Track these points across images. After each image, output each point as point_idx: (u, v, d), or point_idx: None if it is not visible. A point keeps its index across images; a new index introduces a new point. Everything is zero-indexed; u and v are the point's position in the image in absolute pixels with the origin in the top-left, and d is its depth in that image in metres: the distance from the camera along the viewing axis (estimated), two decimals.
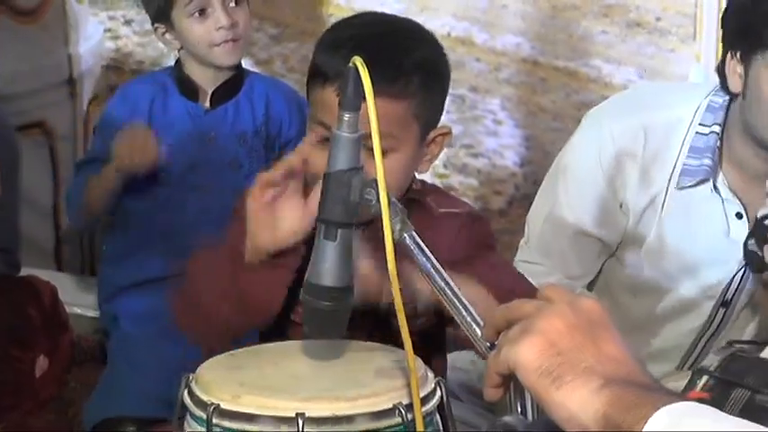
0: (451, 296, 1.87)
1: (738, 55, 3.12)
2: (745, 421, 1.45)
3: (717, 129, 3.21)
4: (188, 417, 2.10)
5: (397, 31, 2.65)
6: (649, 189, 3.26)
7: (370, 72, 1.86)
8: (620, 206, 3.33)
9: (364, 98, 1.88)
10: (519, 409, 1.67)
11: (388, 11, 3.97)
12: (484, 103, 3.86)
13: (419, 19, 3.96)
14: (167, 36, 3.69)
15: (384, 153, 1.91)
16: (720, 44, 3.29)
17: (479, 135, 3.67)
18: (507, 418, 1.67)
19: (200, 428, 2.05)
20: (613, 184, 3.31)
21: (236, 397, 2.04)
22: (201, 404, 2.05)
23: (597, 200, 3.34)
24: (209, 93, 3.72)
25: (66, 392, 3.59)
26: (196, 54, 3.65)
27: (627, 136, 3.25)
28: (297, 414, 1.97)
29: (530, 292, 2.50)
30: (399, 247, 1.88)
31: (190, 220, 3.66)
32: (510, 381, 1.62)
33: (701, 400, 1.48)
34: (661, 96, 3.43)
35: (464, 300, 1.86)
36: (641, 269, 3.40)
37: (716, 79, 3.24)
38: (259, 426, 2.00)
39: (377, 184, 1.88)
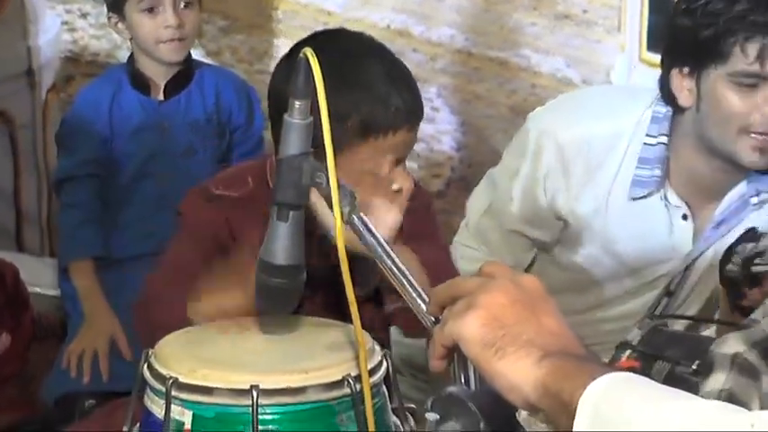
0: (399, 275, 1.86)
1: (687, 70, 3.09)
2: (674, 389, 1.45)
3: (664, 139, 3.18)
4: (148, 390, 2.08)
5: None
6: (592, 197, 3.24)
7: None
8: (560, 212, 3.31)
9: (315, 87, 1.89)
10: (462, 380, 1.66)
11: (331, 6, 3.95)
12: (422, 91, 3.80)
13: (360, 13, 3.99)
14: (119, 26, 3.66)
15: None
16: (661, 57, 3.26)
17: None
18: (451, 389, 1.65)
19: (159, 401, 2.03)
20: (553, 191, 3.29)
21: (193, 371, 2.02)
22: (160, 378, 2.03)
23: (534, 204, 3.32)
24: (162, 85, 3.70)
25: (29, 368, 3.53)
26: (143, 48, 3.64)
27: (572, 146, 3.22)
28: (251, 386, 1.96)
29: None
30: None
31: (148, 206, 3.67)
32: (454, 353, 1.63)
33: (631, 369, 1.49)
34: (605, 105, 3.37)
35: (410, 278, 1.85)
36: (581, 271, 3.41)
37: (641, 69, 3.22)
38: (215, 398, 1.99)
39: (327, 169, 1.88)
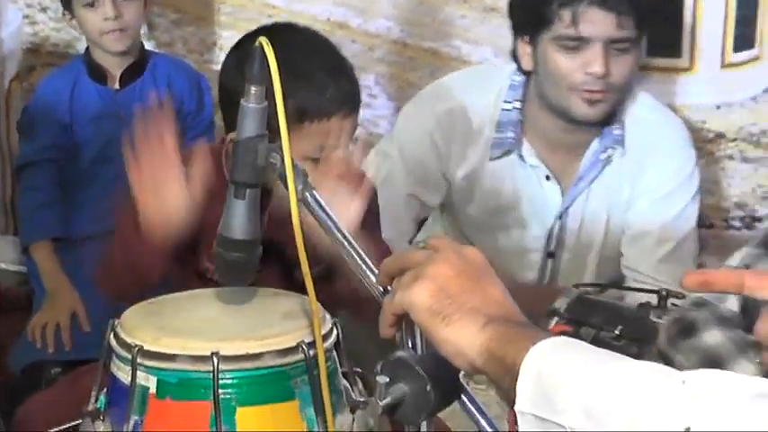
0: (349, 248, 1.85)
1: (527, 38, 3.20)
2: (609, 351, 1.45)
3: (518, 104, 3.28)
4: (114, 358, 2.07)
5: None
6: (469, 161, 3.30)
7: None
8: (444, 176, 3.38)
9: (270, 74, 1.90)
10: (410, 345, 1.66)
11: (276, 0, 3.95)
12: (360, 79, 3.81)
13: (303, 6, 3.98)
14: (72, 21, 3.68)
15: None
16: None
17: None
18: (400, 353, 1.65)
19: (125, 368, 2.03)
20: (439, 157, 3.36)
21: (157, 339, 2.02)
22: (126, 346, 2.03)
23: (425, 169, 3.40)
24: (117, 75, 3.70)
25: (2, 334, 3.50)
26: (90, 40, 3.66)
27: (450, 117, 3.30)
28: (212, 353, 1.97)
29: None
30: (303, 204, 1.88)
31: (106, 188, 3.61)
32: (402, 320, 1.63)
33: (563, 333, 1.56)
34: (473, 81, 3.44)
35: (360, 251, 1.84)
36: (467, 230, 3.46)
37: None
38: (178, 364, 2.00)
39: (281, 149, 1.88)
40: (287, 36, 2.65)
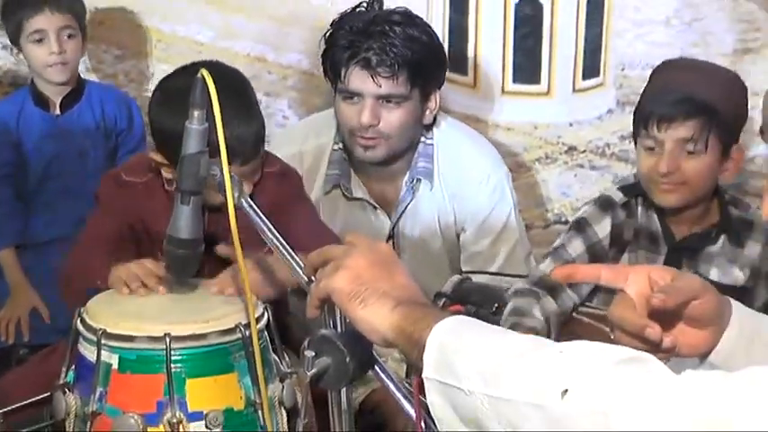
0: (280, 247, 1.84)
1: (334, 89, 3.12)
2: (498, 326, 1.48)
3: (342, 146, 3.16)
4: (81, 340, 2.08)
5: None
6: (313, 194, 3.12)
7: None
8: None
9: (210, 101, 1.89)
10: (332, 324, 1.67)
11: (202, 38, 3.92)
12: (275, 103, 3.83)
13: (226, 43, 3.93)
14: (21, 56, 3.59)
15: None
16: None
17: (272, 127, 3.61)
18: (324, 331, 1.65)
19: (91, 348, 2.03)
20: None
21: (118, 323, 2.04)
22: (92, 329, 2.04)
23: None
24: (58, 102, 3.60)
25: None
26: (36, 72, 3.56)
27: (294, 159, 3.08)
28: (165, 334, 1.99)
29: (329, 236, 2.55)
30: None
31: (54, 199, 3.57)
32: (325, 304, 1.62)
33: (458, 312, 1.50)
34: (314, 127, 3.31)
35: (288, 248, 1.84)
36: None
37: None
38: (136, 344, 2.01)
39: (220, 163, 1.88)
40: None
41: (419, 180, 3.14)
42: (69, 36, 3.49)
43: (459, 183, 3.15)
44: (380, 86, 2.95)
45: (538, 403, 1.31)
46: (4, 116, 3.61)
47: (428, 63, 3.01)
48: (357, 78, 2.96)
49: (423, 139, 3.14)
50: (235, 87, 2.47)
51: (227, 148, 2.28)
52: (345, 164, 3.16)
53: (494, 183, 3.16)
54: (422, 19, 3.11)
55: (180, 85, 2.35)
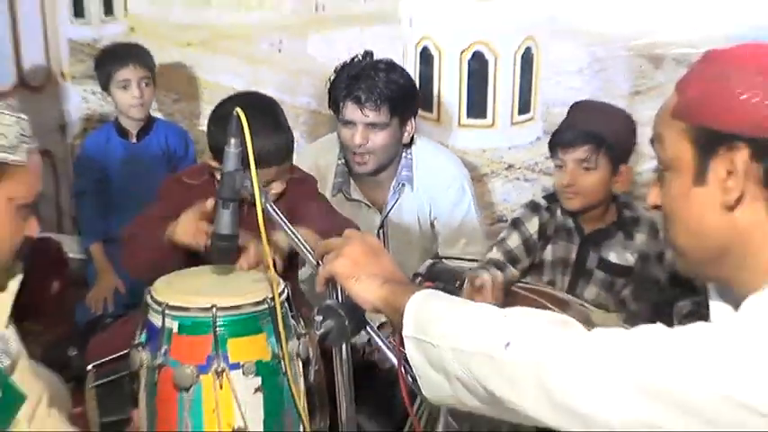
0: (296, 240, 1.84)
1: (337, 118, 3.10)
2: (461, 299, 1.49)
3: (344, 161, 3.15)
4: (150, 311, 2.06)
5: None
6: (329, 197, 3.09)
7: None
8: None
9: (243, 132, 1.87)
10: (335, 297, 1.65)
11: (236, 85, 3.87)
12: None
13: (253, 89, 3.86)
14: (110, 99, 3.60)
15: None
16: None
17: None
18: (328, 302, 1.65)
19: (157, 316, 2.02)
20: None
21: (176, 298, 2.02)
22: (158, 303, 2.03)
23: None
24: (135, 133, 3.61)
25: (65, 302, 3.45)
26: (120, 111, 3.56)
27: (313, 167, 3.06)
28: (212, 305, 1.97)
29: (342, 222, 2.49)
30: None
31: (130, 205, 3.46)
32: (329, 282, 1.62)
33: (430, 288, 1.50)
34: (323, 147, 3.25)
35: (303, 241, 1.83)
36: None
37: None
38: (191, 313, 2.00)
39: (251, 178, 1.86)
40: (246, 100, 2.56)
41: (403, 185, 3.13)
42: (146, 84, 3.52)
43: (433, 186, 3.14)
44: (368, 116, 2.95)
45: (488, 353, 1.32)
46: (94, 144, 3.64)
47: (404, 99, 3.00)
48: (351, 111, 2.96)
49: (404, 154, 3.13)
50: (266, 109, 2.49)
51: (262, 154, 2.27)
52: (347, 174, 3.15)
53: (458, 185, 3.16)
54: (401, 67, 3.10)
55: (228, 108, 2.37)
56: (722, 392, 1.17)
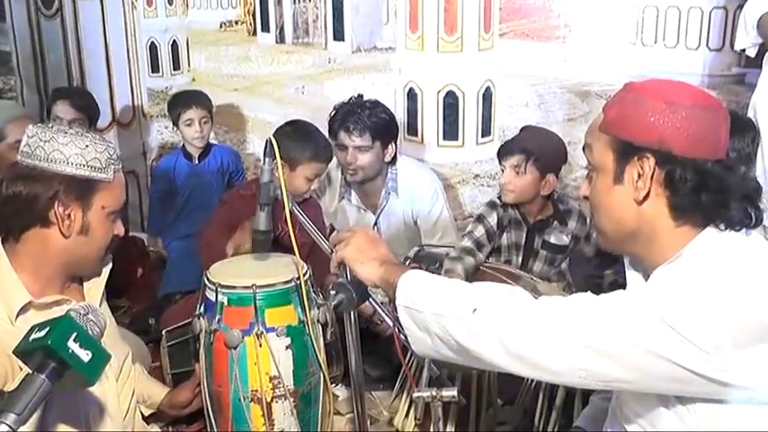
0: (316, 234, 1.82)
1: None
2: (446, 278, 1.45)
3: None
4: (206, 289, 2.02)
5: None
6: (332, 204, 3.12)
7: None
8: (329, 211, 3.16)
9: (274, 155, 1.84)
10: (345, 276, 1.61)
11: (270, 119, 3.84)
12: None
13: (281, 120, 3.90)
14: (179, 132, 3.52)
15: None
16: None
17: None
18: (340, 279, 1.61)
19: (212, 293, 1.98)
20: (324, 202, 3.14)
21: (226, 279, 1.98)
22: (212, 283, 1.99)
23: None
24: (197, 156, 3.53)
25: (150, 283, 3.38)
26: (187, 141, 3.49)
27: (325, 182, 3.09)
28: (252, 284, 1.93)
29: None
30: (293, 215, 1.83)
31: (193, 211, 3.48)
32: (341, 264, 1.59)
33: (417, 268, 1.47)
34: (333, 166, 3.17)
35: (322, 236, 1.81)
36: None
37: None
38: (237, 291, 1.95)
39: (281, 187, 1.84)
40: (293, 125, 2.68)
41: (390, 193, 3.08)
42: (205, 122, 3.45)
43: (413, 194, 3.09)
44: (354, 141, 2.91)
45: (459, 317, 1.31)
46: (166, 164, 3.57)
47: (384, 128, 2.96)
48: (343, 137, 2.93)
49: (390, 170, 3.07)
50: (309, 129, 2.65)
51: (317, 155, 2.54)
52: (348, 186, 3.10)
53: (432, 191, 3.11)
54: (384, 105, 3.03)
55: (286, 129, 2.60)
56: (635, 342, 1.18)
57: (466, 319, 1.29)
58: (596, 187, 1.34)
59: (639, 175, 1.27)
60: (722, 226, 1.26)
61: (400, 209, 3.12)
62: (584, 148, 1.37)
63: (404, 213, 3.13)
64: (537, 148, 2.59)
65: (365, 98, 3.01)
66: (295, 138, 2.55)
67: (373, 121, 2.92)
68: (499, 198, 2.68)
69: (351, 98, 3.02)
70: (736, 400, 1.18)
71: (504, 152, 2.63)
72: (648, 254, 1.30)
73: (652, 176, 1.26)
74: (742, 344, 1.15)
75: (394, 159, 3.08)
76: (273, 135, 2.59)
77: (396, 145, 3.06)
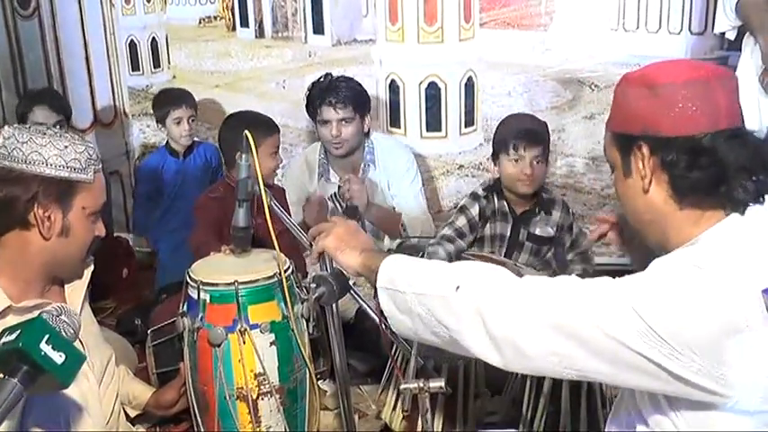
0: (293, 226, 1.84)
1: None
2: (427, 260, 1.46)
3: (323, 155, 3.17)
4: (189, 287, 1.99)
5: None
6: (312, 183, 3.16)
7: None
8: (307, 189, 3.18)
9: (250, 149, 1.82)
10: (326, 267, 1.62)
11: None
12: (293, 147, 3.73)
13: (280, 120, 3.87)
14: (164, 130, 3.50)
15: None
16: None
17: (293, 157, 3.52)
18: (321, 272, 1.63)
19: (194, 290, 1.96)
20: (303, 181, 3.20)
21: (208, 276, 1.96)
22: (194, 280, 1.97)
23: (301, 190, 3.19)
24: (182, 152, 3.51)
25: (136, 283, 3.38)
26: (173, 138, 3.47)
27: (303, 164, 3.19)
28: (234, 281, 1.91)
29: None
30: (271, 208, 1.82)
31: (180, 206, 3.44)
32: (322, 254, 1.60)
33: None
34: (312, 148, 3.27)
35: (299, 228, 1.82)
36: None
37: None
38: (219, 288, 1.93)
39: (258, 182, 1.80)
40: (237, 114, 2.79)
41: (368, 165, 3.15)
42: (192, 120, 3.46)
43: (389, 163, 3.16)
44: (339, 113, 3.01)
45: (442, 295, 1.30)
46: (154, 163, 3.56)
47: (361, 99, 3.06)
48: (326, 111, 3.02)
49: (366, 143, 3.15)
50: (247, 113, 2.77)
51: (270, 127, 2.59)
52: (326, 166, 3.17)
53: (406, 159, 3.20)
54: (355, 80, 3.13)
55: (232, 123, 2.65)
56: (597, 324, 1.16)
57: (448, 297, 1.29)
58: (616, 185, 1.35)
59: (643, 165, 1.27)
60: (729, 208, 1.22)
61: (377, 180, 3.16)
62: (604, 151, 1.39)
63: (380, 184, 3.16)
64: (547, 136, 2.60)
65: (335, 75, 3.11)
66: (245, 124, 2.53)
67: (353, 93, 3.03)
68: (488, 188, 2.66)
69: (320, 77, 3.10)
70: (719, 407, 1.15)
71: (526, 143, 2.54)
72: (666, 243, 1.28)
73: (650, 163, 1.26)
74: (713, 343, 1.11)
75: (368, 132, 3.16)
76: (223, 135, 2.68)
77: (370, 117, 3.15)
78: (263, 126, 2.61)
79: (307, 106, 3.06)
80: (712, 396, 1.14)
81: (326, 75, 3.09)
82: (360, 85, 3.09)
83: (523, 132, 2.58)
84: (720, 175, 1.21)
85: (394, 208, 3.17)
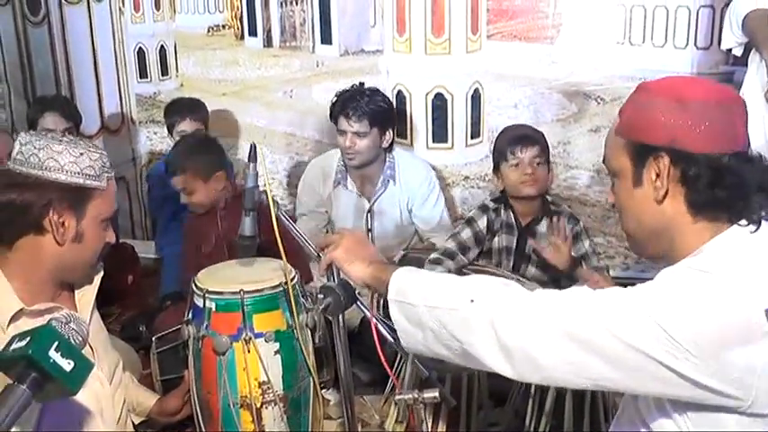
0: (302, 237, 1.81)
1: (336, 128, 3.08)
2: (438, 273, 1.47)
3: (342, 163, 3.14)
4: (194, 295, 2.00)
5: None
6: (327, 189, 3.14)
7: None
8: (321, 195, 3.16)
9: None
10: (333, 278, 1.63)
11: (260, 125, 3.82)
12: (300, 157, 3.75)
13: (274, 126, 3.85)
14: (170, 137, 3.47)
15: None
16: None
17: (302, 164, 3.54)
18: (329, 283, 1.62)
19: (200, 299, 1.97)
20: (318, 188, 3.17)
21: (214, 285, 1.97)
22: (200, 289, 1.98)
23: (313, 199, 3.19)
24: None
25: (141, 290, 3.37)
26: None
27: (319, 172, 3.17)
28: (240, 290, 1.92)
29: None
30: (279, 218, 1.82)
31: (185, 217, 3.29)
32: (330, 266, 1.60)
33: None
34: (327, 155, 3.24)
35: (308, 239, 1.80)
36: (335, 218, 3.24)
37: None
38: (224, 296, 1.94)
39: (266, 193, 1.80)
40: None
41: (388, 181, 3.13)
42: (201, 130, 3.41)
43: (410, 182, 3.14)
44: (352, 126, 2.99)
45: (455, 308, 1.30)
46: (162, 167, 3.46)
47: (381, 114, 3.02)
48: (342, 122, 3.01)
49: (387, 157, 3.13)
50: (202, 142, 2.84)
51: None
52: (344, 172, 3.14)
53: (428, 181, 3.16)
54: (383, 93, 3.10)
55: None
56: (615, 335, 1.16)
57: (462, 310, 1.29)
58: (619, 193, 1.34)
59: (657, 175, 1.27)
60: (743, 222, 1.25)
61: (397, 197, 3.14)
62: (603, 160, 1.38)
63: (399, 201, 3.15)
64: (544, 140, 2.60)
65: (366, 86, 3.08)
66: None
67: (371, 108, 3.00)
68: (496, 199, 2.66)
69: (353, 85, 3.09)
70: (730, 409, 1.17)
71: (521, 145, 2.55)
72: (672, 252, 1.29)
73: (668, 175, 1.26)
74: (730, 347, 1.13)
75: (391, 147, 3.13)
76: (181, 152, 2.77)
77: (393, 132, 3.11)
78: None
79: (330, 113, 3.07)
80: (728, 399, 1.16)
81: (358, 85, 3.09)
82: (385, 100, 3.05)
83: (518, 137, 2.61)
84: (740, 194, 1.24)
85: (413, 223, 3.16)
